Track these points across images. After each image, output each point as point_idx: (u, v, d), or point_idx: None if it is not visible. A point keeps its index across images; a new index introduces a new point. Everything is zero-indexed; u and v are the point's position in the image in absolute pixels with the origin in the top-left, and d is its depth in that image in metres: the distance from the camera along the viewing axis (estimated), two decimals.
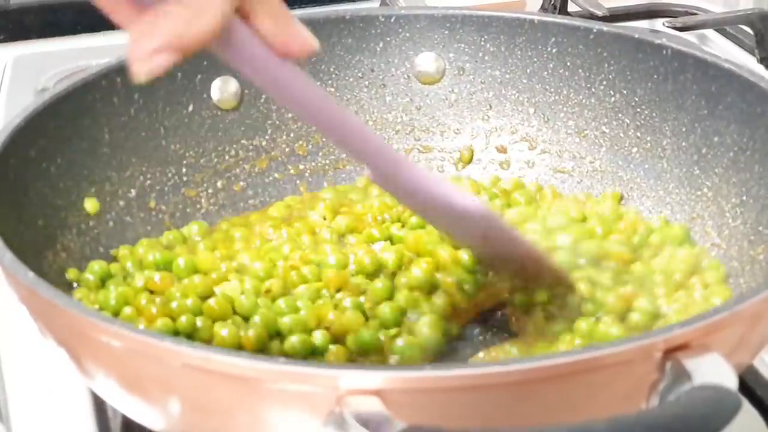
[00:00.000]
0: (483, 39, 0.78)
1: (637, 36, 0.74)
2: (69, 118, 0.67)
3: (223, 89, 0.75)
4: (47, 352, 0.55)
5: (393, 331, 0.62)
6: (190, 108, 0.74)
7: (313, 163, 0.77)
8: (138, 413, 0.53)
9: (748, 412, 0.61)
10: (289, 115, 0.77)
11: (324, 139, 0.78)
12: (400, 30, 0.79)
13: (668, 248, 0.67)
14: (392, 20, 0.79)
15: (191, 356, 0.46)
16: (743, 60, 0.98)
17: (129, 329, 0.48)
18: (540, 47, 0.77)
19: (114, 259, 0.67)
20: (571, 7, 1.04)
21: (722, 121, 0.68)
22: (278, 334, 0.61)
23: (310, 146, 0.78)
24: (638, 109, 0.73)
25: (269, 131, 0.77)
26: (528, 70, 0.77)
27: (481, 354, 0.61)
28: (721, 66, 0.69)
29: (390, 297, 0.64)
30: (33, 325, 0.55)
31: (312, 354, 0.60)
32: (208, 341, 0.60)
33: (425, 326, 0.62)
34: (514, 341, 0.62)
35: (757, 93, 0.66)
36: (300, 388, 0.46)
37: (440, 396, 0.45)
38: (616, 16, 1.03)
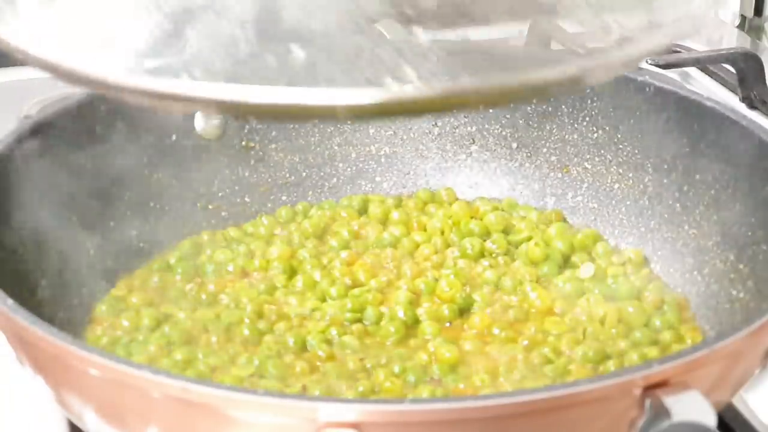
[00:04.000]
0: None
1: None
2: (51, 146, 0.67)
3: (206, 119, 0.75)
4: (25, 381, 0.55)
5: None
6: (174, 138, 0.74)
7: (295, 195, 0.77)
8: None
9: None
10: (273, 145, 0.77)
11: (306, 171, 0.78)
12: None
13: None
14: None
15: (169, 386, 0.46)
16: (725, 98, 0.98)
17: (107, 358, 0.48)
18: None
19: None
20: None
21: (704, 159, 0.68)
22: None
23: (293, 177, 0.78)
24: (620, 146, 0.74)
25: (252, 162, 0.77)
26: (511, 105, 0.77)
27: None
28: (704, 104, 0.69)
29: None
30: (10, 353, 0.54)
31: None
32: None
33: None
34: None
35: (738, 131, 0.66)
36: (279, 420, 0.45)
37: (418, 429, 0.45)
38: None
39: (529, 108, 0.77)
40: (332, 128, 0.79)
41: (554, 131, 0.76)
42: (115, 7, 0.52)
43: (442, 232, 0.73)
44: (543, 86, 0.43)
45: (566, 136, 0.76)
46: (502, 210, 0.75)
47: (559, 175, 0.76)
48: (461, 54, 0.47)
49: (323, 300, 0.67)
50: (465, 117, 0.79)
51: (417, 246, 0.72)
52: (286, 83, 0.45)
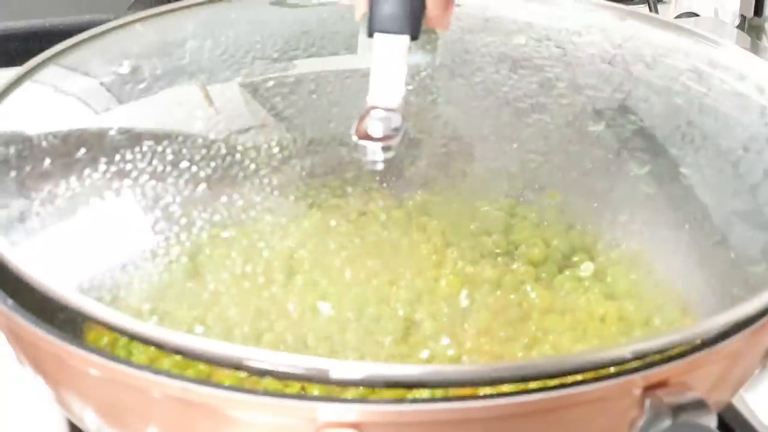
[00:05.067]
0: None
1: None
2: None
3: None
4: (25, 381, 0.55)
5: None
6: None
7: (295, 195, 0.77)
8: None
9: None
10: None
11: None
12: None
13: None
14: None
15: (169, 386, 0.46)
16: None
17: (107, 358, 0.48)
18: None
19: None
20: None
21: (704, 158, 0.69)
22: None
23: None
24: (622, 146, 0.74)
25: None
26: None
27: None
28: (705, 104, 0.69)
29: None
30: (10, 353, 0.54)
31: None
32: None
33: None
34: None
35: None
36: (278, 420, 0.45)
37: (418, 429, 0.45)
38: None
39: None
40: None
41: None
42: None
43: (443, 232, 0.73)
44: None
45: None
46: (502, 210, 0.75)
47: (560, 174, 0.76)
48: None
49: (323, 299, 0.67)
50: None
51: (417, 246, 0.72)
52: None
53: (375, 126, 0.63)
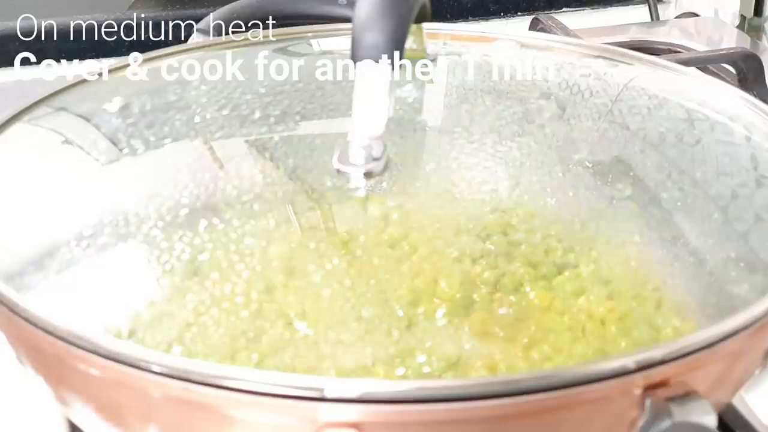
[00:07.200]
0: None
1: None
2: None
3: None
4: (25, 381, 0.55)
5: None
6: None
7: (295, 195, 0.77)
8: None
9: None
10: None
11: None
12: None
13: None
14: None
15: (169, 386, 0.46)
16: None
17: (106, 358, 0.48)
18: None
19: None
20: None
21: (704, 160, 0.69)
22: None
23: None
24: (622, 147, 0.74)
25: None
26: None
27: None
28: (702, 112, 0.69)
29: None
30: (10, 353, 0.54)
31: None
32: None
33: None
34: None
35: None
36: (278, 420, 0.45)
37: (418, 429, 0.45)
38: None
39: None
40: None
41: (556, 131, 0.76)
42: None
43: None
44: None
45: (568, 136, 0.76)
46: (502, 210, 0.75)
47: (560, 174, 0.76)
48: None
49: (323, 300, 0.67)
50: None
51: (416, 246, 0.72)
52: None
53: (357, 154, 0.65)
